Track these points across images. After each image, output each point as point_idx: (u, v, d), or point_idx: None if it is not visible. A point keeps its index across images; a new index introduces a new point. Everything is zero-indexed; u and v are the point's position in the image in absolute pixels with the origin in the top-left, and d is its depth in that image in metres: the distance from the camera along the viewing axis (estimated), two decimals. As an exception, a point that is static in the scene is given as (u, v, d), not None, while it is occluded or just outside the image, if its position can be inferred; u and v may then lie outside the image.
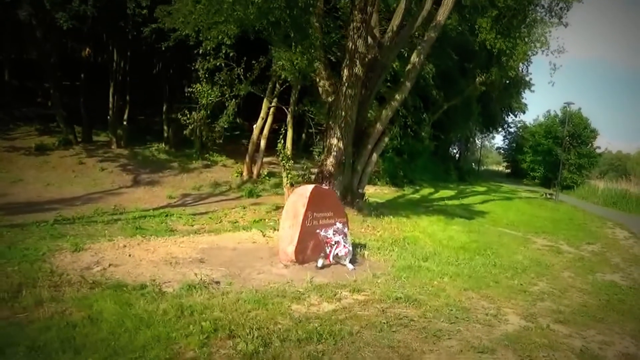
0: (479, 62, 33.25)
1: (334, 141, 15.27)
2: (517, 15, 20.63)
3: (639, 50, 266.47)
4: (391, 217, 16.32)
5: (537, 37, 22.98)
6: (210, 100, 16.88)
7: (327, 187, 11.66)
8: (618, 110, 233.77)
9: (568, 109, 46.30)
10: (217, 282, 7.42)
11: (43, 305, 5.83)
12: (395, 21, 16.60)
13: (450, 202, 26.10)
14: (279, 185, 21.99)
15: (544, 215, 25.36)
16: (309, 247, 9.13)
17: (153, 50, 25.48)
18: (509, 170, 76.80)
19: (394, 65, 20.81)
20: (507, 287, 9.25)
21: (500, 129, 65.68)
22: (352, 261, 9.39)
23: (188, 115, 18.49)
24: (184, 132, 19.57)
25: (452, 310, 7.23)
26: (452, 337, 6.20)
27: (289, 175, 14.41)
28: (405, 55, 20.59)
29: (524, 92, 49.60)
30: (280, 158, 15.12)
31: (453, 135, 47.60)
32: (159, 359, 4.74)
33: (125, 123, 26.18)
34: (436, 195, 29.35)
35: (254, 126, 24.07)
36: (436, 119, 36.56)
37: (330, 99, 15.79)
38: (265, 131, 23.66)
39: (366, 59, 15.25)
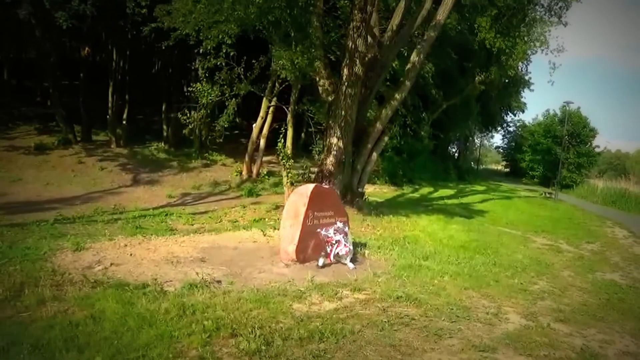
0: (479, 61, 33.25)
1: (334, 140, 15.28)
2: (516, 14, 20.65)
3: (638, 50, 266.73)
4: (391, 216, 16.35)
5: (537, 36, 22.96)
6: (210, 99, 16.86)
7: (327, 186, 11.63)
8: (617, 110, 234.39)
9: (567, 108, 46.35)
10: (219, 281, 7.43)
11: (45, 304, 5.84)
12: (395, 20, 16.60)
13: (449, 201, 26.14)
14: (278, 184, 22.00)
15: (544, 215, 25.41)
16: (309, 247, 9.13)
17: (152, 49, 25.56)
18: (508, 170, 76.86)
19: (394, 65, 20.79)
20: (508, 286, 9.26)
21: (499, 128, 65.74)
22: (353, 260, 9.39)
23: (188, 115, 18.48)
24: (183, 131, 19.56)
25: (452, 309, 7.24)
26: (453, 336, 6.21)
27: (289, 175, 14.40)
28: (405, 54, 20.56)
29: (523, 91, 49.60)
30: (280, 157, 15.13)
31: (452, 135, 47.63)
32: (162, 357, 4.75)
33: (124, 122, 26.22)
34: (435, 195, 29.37)
35: (254, 125, 24.08)
36: (435, 118, 36.58)
37: (330, 98, 15.78)
38: (265, 130, 23.66)
39: (366, 58, 15.25)
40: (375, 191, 25.46)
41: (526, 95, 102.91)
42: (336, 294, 7.38)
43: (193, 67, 19.58)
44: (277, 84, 22.24)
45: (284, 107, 21.99)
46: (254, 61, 18.62)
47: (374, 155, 17.44)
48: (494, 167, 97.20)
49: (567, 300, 8.87)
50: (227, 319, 5.83)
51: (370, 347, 5.56)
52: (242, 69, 17.21)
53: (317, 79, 16.07)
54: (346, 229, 9.56)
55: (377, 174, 27.93)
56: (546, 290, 9.49)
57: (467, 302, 7.79)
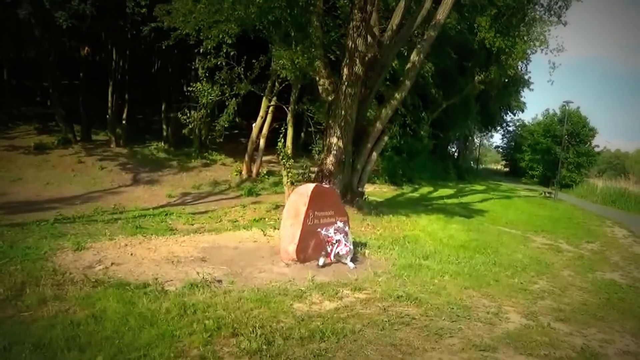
0: (478, 61, 33.27)
1: (334, 140, 15.28)
2: (516, 14, 20.65)
3: (637, 49, 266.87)
4: (391, 215, 16.36)
5: (536, 35, 22.97)
6: (210, 99, 16.86)
7: (328, 186, 11.63)
8: (616, 109, 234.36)
9: (567, 108, 46.37)
10: (219, 281, 7.44)
11: (47, 303, 5.84)
12: (395, 20, 16.61)
13: (449, 201, 26.15)
14: (278, 184, 22.01)
15: (543, 214, 25.42)
16: (310, 246, 9.14)
17: (152, 49, 25.56)
18: (507, 169, 76.90)
19: (394, 64, 20.80)
20: (508, 286, 9.28)
21: (499, 128, 65.72)
22: (353, 260, 9.40)
23: (188, 114, 18.49)
24: (183, 131, 19.57)
25: (453, 308, 7.25)
26: (453, 335, 6.22)
27: (289, 174, 14.41)
28: (405, 54, 20.57)
29: (523, 90, 49.60)
30: (280, 157, 15.13)
31: (452, 134, 47.62)
32: (164, 356, 4.75)
33: (124, 122, 26.22)
34: (435, 194, 29.38)
35: (253, 125, 24.08)
36: (435, 117, 36.56)
37: (330, 98, 15.79)
38: (265, 130, 23.67)
39: (366, 58, 15.26)
40: (375, 191, 25.47)
41: (526, 95, 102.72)
42: (337, 294, 7.39)
43: (193, 67, 19.56)
44: (276, 84, 22.25)
45: (284, 106, 21.99)
46: (254, 61, 18.62)
47: (374, 154, 17.45)
48: (493, 166, 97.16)
49: (567, 299, 8.88)
50: (228, 318, 5.84)
51: (371, 347, 5.57)
52: (242, 69, 17.22)
53: (317, 78, 16.07)
54: (346, 228, 9.57)
55: (376, 173, 27.94)
56: (546, 289, 9.50)
57: (468, 301, 7.80)
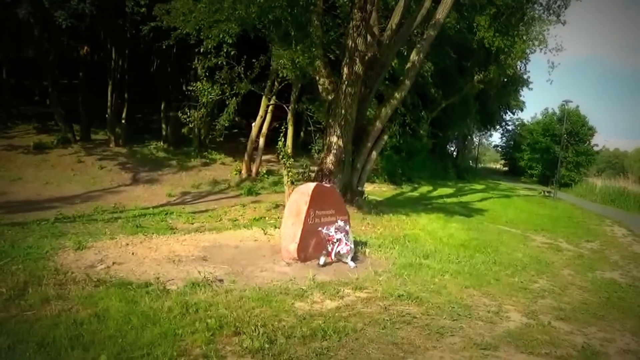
0: (477, 60, 33.30)
1: (334, 139, 15.30)
2: (515, 13, 20.70)
3: (636, 49, 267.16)
4: (391, 214, 16.38)
5: (535, 35, 23.05)
6: (210, 98, 16.88)
7: (328, 185, 11.65)
8: (615, 108, 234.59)
9: (566, 107, 46.40)
10: (221, 280, 7.45)
11: (49, 303, 5.85)
12: (395, 19, 16.63)
13: (449, 200, 26.18)
14: (277, 183, 22.03)
15: (543, 213, 25.46)
16: (311, 245, 9.15)
17: (151, 48, 25.54)
18: (506, 168, 76.89)
19: (393, 64, 20.83)
20: (508, 285, 9.30)
21: (498, 127, 65.68)
22: (354, 259, 9.42)
23: (188, 114, 18.50)
24: (182, 130, 19.58)
25: (454, 307, 7.27)
26: (454, 334, 6.24)
27: (290, 173, 14.41)
28: (405, 53, 20.61)
29: (522, 90, 49.50)
30: (280, 156, 15.14)
31: (451, 133, 47.62)
32: (167, 355, 4.76)
33: (123, 121, 26.21)
34: (435, 193, 29.38)
35: (253, 124, 24.09)
36: (434, 116, 36.55)
37: (330, 97, 15.81)
38: (264, 129, 23.66)
39: (366, 57, 15.28)
40: (375, 190, 25.47)
41: (525, 94, 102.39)
42: (338, 293, 7.41)
43: (192, 66, 19.57)
44: (276, 83, 22.25)
45: (284, 105, 22.02)
46: (254, 60, 18.62)
47: (374, 154, 17.47)
48: (492, 165, 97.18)
49: (567, 298, 8.90)
50: (230, 317, 5.85)
51: (373, 345, 5.59)
52: (242, 68, 17.22)
53: (317, 77, 16.10)
54: (347, 227, 9.59)
55: (376, 172, 27.93)
56: (546, 288, 9.52)
57: (468, 300, 7.82)
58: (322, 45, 15.28)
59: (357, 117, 15.90)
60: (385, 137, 18.18)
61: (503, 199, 30.86)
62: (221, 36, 13.44)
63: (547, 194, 38.28)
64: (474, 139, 69.22)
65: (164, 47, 16.34)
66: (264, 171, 24.67)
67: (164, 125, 27.42)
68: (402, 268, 9.33)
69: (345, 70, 15.00)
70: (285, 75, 16.27)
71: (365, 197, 17.95)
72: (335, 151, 15.28)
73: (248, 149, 24.20)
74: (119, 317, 5.55)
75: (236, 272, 8.09)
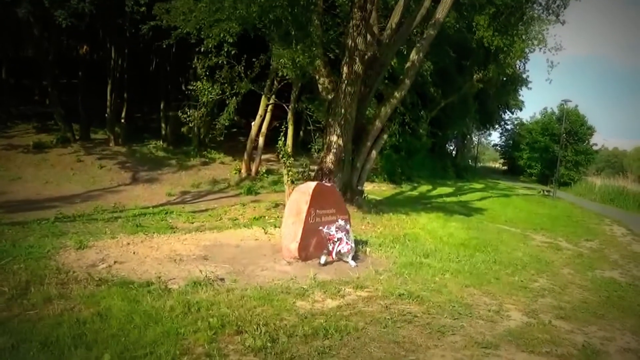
0: (477, 60, 33.29)
1: (334, 138, 15.32)
2: (514, 13, 20.71)
3: (635, 48, 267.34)
4: (390, 214, 16.41)
5: (534, 34, 23.04)
6: (210, 97, 16.88)
7: (329, 184, 11.66)
8: (614, 108, 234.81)
9: (565, 107, 46.41)
10: (222, 279, 7.47)
11: (52, 302, 5.87)
12: (394, 19, 16.64)
13: (448, 199, 26.21)
14: (277, 182, 22.04)
15: (542, 212, 25.48)
16: (311, 244, 9.17)
17: (151, 48, 25.52)
18: (505, 167, 76.93)
19: (393, 63, 20.84)
20: (508, 284, 9.32)
21: (497, 126, 65.76)
22: (355, 258, 9.43)
23: (188, 113, 18.50)
24: (182, 129, 19.59)
25: (454, 306, 7.29)
26: (455, 333, 6.26)
27: (290, 173, 14.42)
28: (404, 52, 20.62)
29: (521, 89, 49.53)
30: (281, 155, 15.14)
31: (450, 132, 47.61)
32: (170, 354, 4.78)
33: (123, 121, 26.23)
34: (434, 192, 29.41)
35: (252, 124, 24.10)
36: (434, 116, 36.55)
37: (330, 97, 15.83)
38: (264, 129, 23.68)
39: (365, 57, 15.30)
40: (374, 189, 25.49)
41: (524, 94, 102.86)
42: (339, 292, 7.43)
43: (192, 66, 19.58)
44: (275, 82, 22.26)
45: (284, 105, 22.02)
46: (254, 60, 18.62)
47: (374, 153, 17.49)
48: (491, 164, 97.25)
49: (567, 297, 8.93)
50: (232, 316, 5.87)
51: (374, 344, 5.61)
52: (242, 68, 17.22)
53: (317, 77, 16.11)
54: (348, 226, 9.60)
55: (375, 171, 27.95)
56: (546, 287, 9.55)
57: (469, 299, 7.84)
58: (322, 44, 15.29)
59: (356, 116, 15.92)
60: (385, 136, 18.21)
61: (502, 198, 30.90)
62: (222, 35, 13.44)
63: (546, 193, 38.31)
64: (473, 138, 69.28)
65: (164, 46, 16.34)
66: (264, 170, 24.69)
67: (163, 125, 27.41)
68: (403, 267, 9.35)
69: (345, 69, 15.02)
70: (285, 74, 16.29)
71: (365, 197, 17.97)
72: (335, 150, 15.30)
73: (248, 148, 24.20)
74: (121, 316, 5.56)
75: (237, 271, 8.11)
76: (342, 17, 17.81)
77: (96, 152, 23.14)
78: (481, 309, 7.40)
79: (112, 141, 24.81)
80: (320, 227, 9.21)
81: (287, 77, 18.32)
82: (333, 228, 9.23)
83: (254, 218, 14.71)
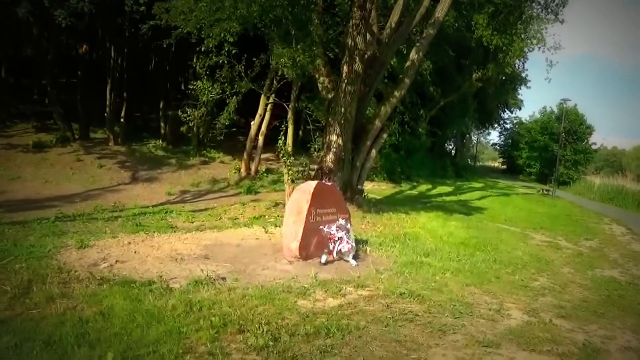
0: (476, 59, 33.33)
1: (334, 137, 15.34)
2: (513, 12, 20.69)
3: (634, 47, 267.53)
4: (390, 213, 16.43)
5: (533, 33, 23.03)
6: (210, 97, 16.89)
7: (329, 184, 11.67)
8: (613, 107, 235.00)
9: (564, 106, 46.45)
10: (223, 278, 7.47)
11: (54, 301, 5.88)
12: (394, 18, 16.65)
13: (448, 198, 26.24)
14: (277, 181, 22.07)
15: (542, 211, 25.51)
16: (312, 243, 9.17)
17: (150, 47, 25.52)
18: (504, 167, 77.01)
19: (392, 63, 20.85)
20: (509, 283, 9.33)
21: (496, 125, 65.84)
22: (355, 257, 9.44)
23: (188, 112, 18.51)
24: (181, 128, 19.60)
25: (455, 305, 7.29)
26: (457, 332, 6.27)
27: (290, 172, 14.43)
28: (404, 52, 20.63)
29: (520, 88, 49.70)
30: (281, 155, 15.15)
31: (449, 132, 47.60)
32: (172, 353, 4.79)
33: (122, 120, 26.25)
34: (434, 192, 29.45)
35: (252, 123, 24.11)
36: (433, 115, 36.55)
37: (329, 96, 15.84)
38: (263, 128, 23.70)
39: (365, 56, 15.31)
40: (374, 188, 25.50)
41: (523, 93, 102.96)
42: (340, 291, 7.43)
43: (192, 65, 19.60)
44: (275, 81, 22.27)
45: (284, 104, 22.03)
46: (254, 59, 18.63)
47: (373, 152, 17.52)
48: (490, 164, 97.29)
49: (567, 296, 8.93)
50: (234, 315, 5.88)
51: (376, 343, 5.61)
52: (242, 67, 17.22)
53: (317, 76, 16.13)
54: (348, 225, 9.61)
55: (375, 171, 27.96)
56: (547, 286, 9.55)
57: (469, 298, 7.85)
58: (322, 43, 15.29)
59: (356, 116, 15.93)
60: (385, 135, 18.22)
61: (502, 197, 30.95)
62: (222, 35, 13.45)
63: (545, 192, 38.37)
64: (473, 138, 69.37)
65: (164, 45, 16.34)
66: (263, 170, 24.71)
67: (162, 124, 27.43)
68: (403, 266, 9.35)
69: (345, 68, 15.03)
70: (285, 73, 16.29)
71: (364, 196, 17.99)
72: (335, 149, 15.31)
73: (247, 147, 24.23)
74: (123, 315, 5.57)
75: (238, 270, 8.11)
76: (342, 16, 17.83)
77: (96, 151, 23.17)
78: (482, 307, 7.41)
79: (112, 140, 24.84)
80: (321, 227, 9.21)
81: (287, 77, 18.32)
82: (334, 227, 9.24)
83: (254, 217, 14.73)
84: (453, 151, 58.76)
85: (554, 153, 47.63)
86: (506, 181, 50.12)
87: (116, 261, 7.94)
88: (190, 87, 18.26)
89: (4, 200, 15.03)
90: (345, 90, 15.08)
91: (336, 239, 9.17)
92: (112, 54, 25.51)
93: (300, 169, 20.02)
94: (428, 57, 25.20)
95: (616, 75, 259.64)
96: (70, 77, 27.82)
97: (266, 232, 11.32)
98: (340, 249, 9.19)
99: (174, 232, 11.38)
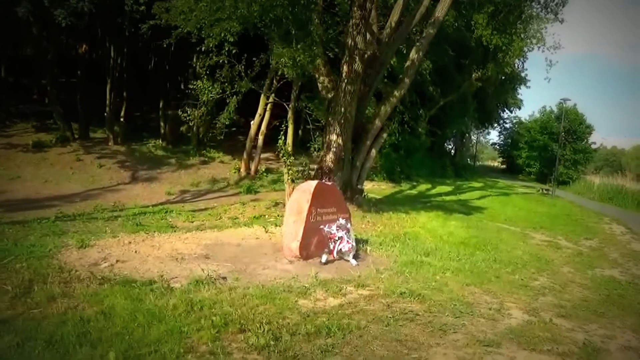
0: (475, 58, 33.35)
1: (334, 137, 15.34)
2: (513, 11, 20.68)
3: (634, 46, 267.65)
4: (390, 212, 16.43)
5: (533, 33, 23.02)
6: (211, 97, 16.89)
7: (330, 183, 11.68)
8: (612, 106, 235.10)
9: (564, 105, 46.46)
10: (224, 278, 7.48)
11: (55, 300, 5.89)
12: (394, 17, 16.64)
13: (447, 198, 26.25)
14: (276, 181, 22.08)
15: (541, 211, 25.52)
16: (312, 243, 9.18)
17: (150, 47, 25.53)
18: (504, 166, 77.04)
19: (392, 62, 20.85)
20: (509, 282, 9.33)
21: (495, 125, 65.91)
22: (355, 257, 9.45)
23: (188, 112, 18.51)
24: (181, 128, 19.61)
25: (456, 304, 7.30)
26: (457, 331, 6.27)
27: (290, 172, 14.43)
28: (404, 51, 20.64)
29: (520, 88, 49.80)
30: (281, 154, 15.14)
31: (449, 131, 47.61)
32: (174, 352, 4.80)
33: (122, 120, 26.24)
34: (433, 191, 29.48)
35: (252, 123, 24.11)
36: (432, 114, 36.57)
37: (329, 95, 15.85)
38: (263, 127, 23.70)
39: (365, 56, 15.31)
40: (374, 188, 25.50)
41: (523, 92, 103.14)
42: (340, 290, 7.44)
43: (192, 64, 19.60)
44: (275, 81, 22.27)
45: (284, 103, 22.03)
46: (254, 59, 18.64)
47: (373, 151, 17.53)
48: (490, 163, 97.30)
49: (567, 296, 8.94)
50: (235, 314, 5.89)
51: (377, 342, 5.62)
52: (242, 67, 17.22)
53: (317, 76, 16.13)
54: (348, 225, 9.60)
55: (374, 170, 27.96)
56: (547, 286, 9.56)
57: (470, 298, 7.86)
58: (322, 43, 15.30)
59: (356, 115, 15.94)
60: (385, 135, 18.22)
61: (501, 197, 30.97)
62: (223, 35, 13.46)
63: (545, 191, 38.42)
64: (472, 137, 69.42)
65: (164, 45, 16.34)
66: (263, 169, 24.71)
67: (162, 124, 27.43)
68: (404, 266, 9.36)
69: (345, 68, 15.04)
70: (286, 73, 16.30)
71: (364, 195, 17.99)
72: (334, 149, 15.32)
73: (247, 147, 24.24)
74: (124, 314, 5.59)
75: (239, 269, 8.12)
76: (342, 16, 17.83)
77: (95, 151, 23.18)
78: (482, 307, 7.41)
79: (111, 140, 24.84)
80: (321, 226, 9.22)
81: (287, 76, 18.33)
82: (334, 227, 9.24)
83: (254, 217, 14.74)
84: (453, 151, 58.77)
85: (553, 153, 47.65)
86: (506, 181, 50.15)
87: (117, 261, 7.95)
88: (191, 86, 18.26)
89: (4, 199, 15.05)
90: (345, 90, 15.08)
91: (336, 238, 9.18)
92: (112, 54, 25.51)
93: (300, 168, 20.02)
94: (428, 56, 25.20)
95: (616, 75, 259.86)
96: (70, 77, 27.82)
97: (266, 232, 11.33)
98: (340, 249, 9.19)
99: (174, 231, 11.40)
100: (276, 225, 12.01)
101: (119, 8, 19.45)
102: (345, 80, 15.03)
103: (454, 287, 8.29)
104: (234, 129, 29.01)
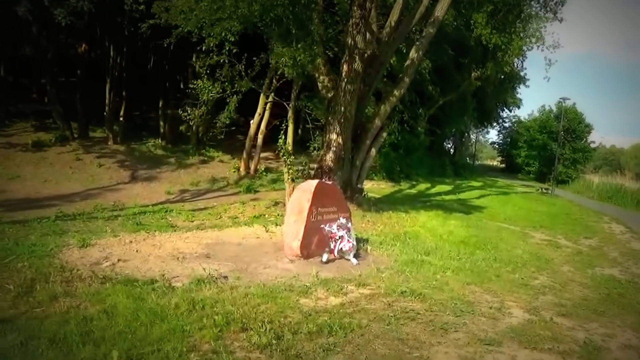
0: (475, 58, 33.37)
1: (334, 136, 15.35)
2: (512, 11, 20.70)
3: (634, 46, 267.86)
4: (390, 212, 16.44)
5: (532, 32, 23.10)
6: (211, 96, 16.89)
7: (330, 183, 11.70)
8: (612, 105, 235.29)
9: (563, 104, 46.47)
10: (225, 277, 7.50)
11: (58, 299, 5.91)
12: (394, 17, 16.63)
13: (447, 197, 26.26)
14: (276, 180, 22.09)
15: (541, 210, 25.53)
16: (313, 242, 9.20)
17: (149, 46, 25.52)
18: (503, 165, 77.07)
19: (392, 61, 20.86)
20: (509, 281, 9.35)
21: (495, 124, 65.99)
22: (356, 256, 9.46)
23: (188, 112, 18.52)
24: (180, 127, 19.62)
25: (456, 303, 7.31)
26: (458, 330, 6.29)
27: (290, 171, 14.42)
28: (404, 51, 20.64)
29: (519, 87, 49.84)
30: (281, 154, 15.13)
31: (448, 130, 47.63)
32: (176, 351, 4.81)
33: (121, 119, 26.23)
34: (433, 190, 29.49)
35: (251, 122, 24.11)
36: (432, 114, 36.58)
37: (329, 95, 15.85)
38: (262, 127, 23.70)
39: (365, 55, 15.31)
40: (373, 187, 25.51)
41: (522, 91, 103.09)
42: (341, 289, 7.45)
43: (192, 64, 19.60)
44: (275, 80, 22.27)
45: (284, 103, 22.03)
46: (254, 58, 18.64)
47: (373, 151, 17.53)
48: (489, 162, 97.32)
49: (568, 295, 8.95)
50: (237, 313, 5.90)
51: (379, 341, 5.64)
52: (242, 66, 17.23)
53: (317, 75, 16.13)
54: (349, 224, 9.62)
55: (374, 169, 27.96)
56: (547, 285, 9.57)
57: (471, 297, 7.87)
58: (322, 43, 15.30)
59: (356, 115, 15.94)
60: (384, 134, 18.23)
61: (501, 196, 30.98)
62: (223, 34, 13.47)
63: (544, 190, 38.44)
64: (471, 136, 69.48)
65: (164, 45, 16.34)
66: (263, 169, 24.72)
67: (161, 123, 27.42)
68: (404, 265, 9.37)
69: (345, 67, 15.05)
70: (286, 73, 16.30)
71: (364, 195, 18.00)
72: (334, 148, 15.33)
73: (246, 146, 24.24)
74: (127, 313, 5.60)
75: (240, 269, 8.14)
76: (342, 15, 17.82)
77: (95, 150, 23.18)
78: (483, 306, 7.43)
79: (111, 139, 24.84)
80: (322, 225, 9.23)
81: (287, 76, 18.34)
82: (335, 226, 9.25)
83: (254, 216, 14.76)
84: (452, 150, 58.80)
85: (552, 152, 47.65)
86: (505, 180, 50.17)
87: (118, 260, 7.98)
88: (191, 86, 18.25)
89: (3, 199, 15.04)
90: (345, 89, 15.09)
91: (337, 237, 9.19)
92: (112, 53, 25.51)
93: (300, 168, 20.03)
94: (427, 56, 25.20)
95: (615, 74, 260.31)
96: (70, 76, 27.80)
97: (267, 231, 11.35)
98: (341, 248, 9.21)
99: (175, 231, 11.42)
100: (276, 225, 12.04)
101: (118, 7, 19.42)
102: (345, 80, 15.04)
103: (454, 286, 8.31)
104: (233, 128, 28.97)
